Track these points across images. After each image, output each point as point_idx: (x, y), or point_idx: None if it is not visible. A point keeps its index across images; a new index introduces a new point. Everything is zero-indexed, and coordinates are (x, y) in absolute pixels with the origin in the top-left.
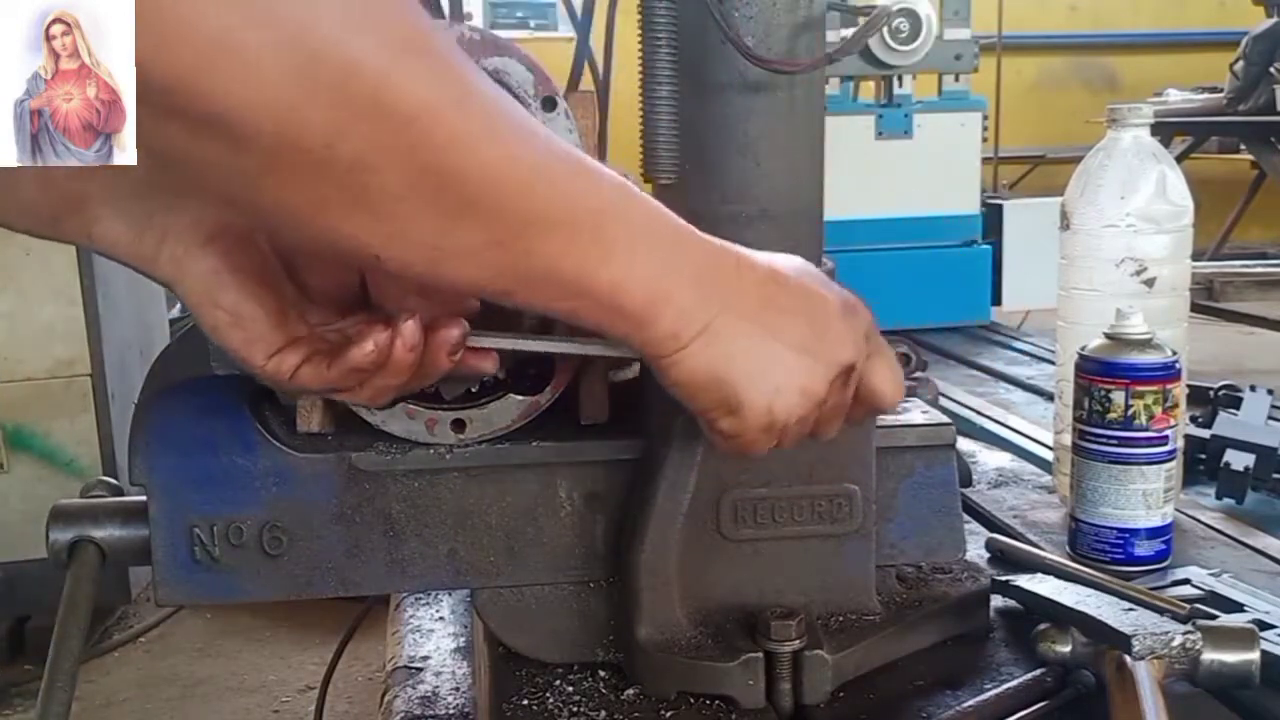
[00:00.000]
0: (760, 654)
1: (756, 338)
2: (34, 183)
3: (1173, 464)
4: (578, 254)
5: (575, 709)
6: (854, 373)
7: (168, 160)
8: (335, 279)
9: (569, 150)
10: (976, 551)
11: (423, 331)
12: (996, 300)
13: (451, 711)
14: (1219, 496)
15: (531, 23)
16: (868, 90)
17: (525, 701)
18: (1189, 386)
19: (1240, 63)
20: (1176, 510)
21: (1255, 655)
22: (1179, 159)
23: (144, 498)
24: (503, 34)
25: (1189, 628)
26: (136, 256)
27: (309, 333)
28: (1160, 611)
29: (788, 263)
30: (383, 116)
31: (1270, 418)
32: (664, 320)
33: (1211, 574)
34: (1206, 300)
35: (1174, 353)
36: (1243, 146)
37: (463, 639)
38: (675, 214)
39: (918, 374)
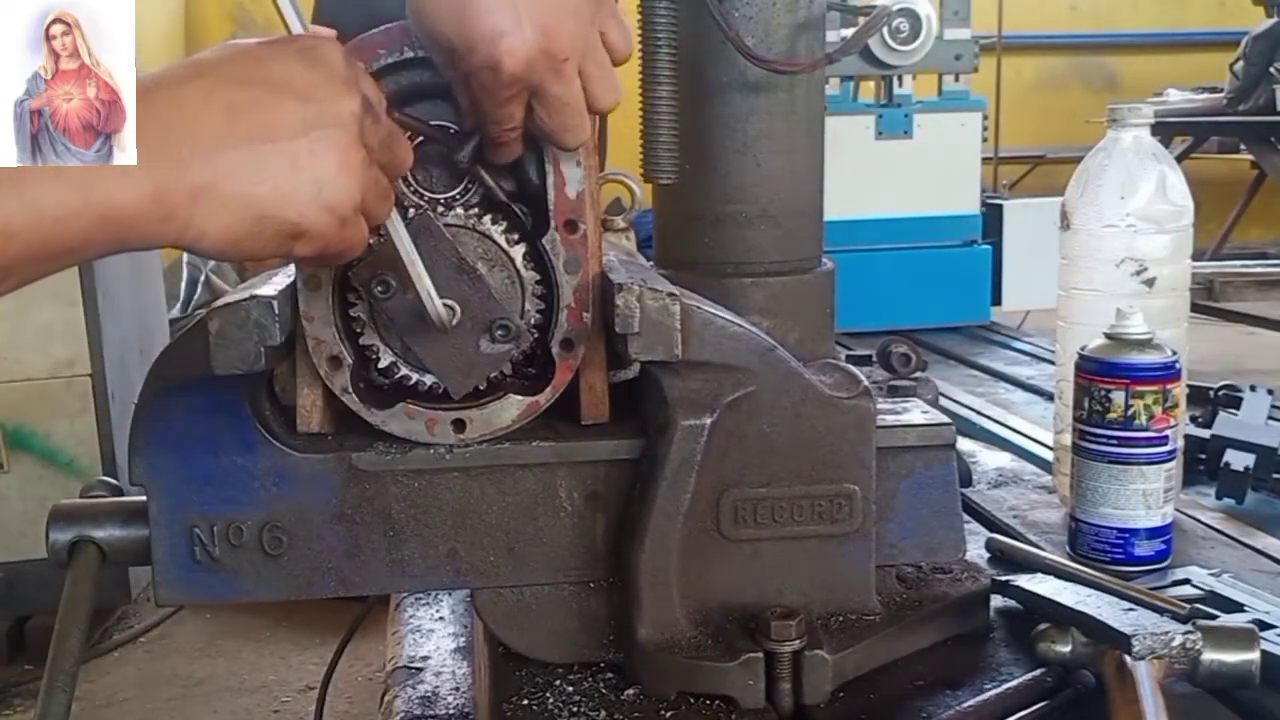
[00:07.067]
0: (760, 654)
1: (253, 158)
2: None
3: (1173, 464)
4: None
5: (575, 709)
6: (369, 109)
7: None
8: None
9: None
10: (976, 551)
11: None
12: (996, 300)
13: (451, 711)
14: (1219, 496)
15: None
16: (868, 90)
17: (525, 701)
18: (1189, 386)
19: (1240, 63)
20: (1176, 510)
21: (1255, 655)
22: (1179, 159)
23: (144, 498)
24: None
25: (1189, 628)
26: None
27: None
28: (1160, 611)
29: (212, 55)
30: None
31: (1270, 418)
32: (140, 215)
33: (1211, 574)
34: (1206, 300)
35: (1174, 353)
36: (1243, 146)
37: (463, 639)
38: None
39: (918, 374)
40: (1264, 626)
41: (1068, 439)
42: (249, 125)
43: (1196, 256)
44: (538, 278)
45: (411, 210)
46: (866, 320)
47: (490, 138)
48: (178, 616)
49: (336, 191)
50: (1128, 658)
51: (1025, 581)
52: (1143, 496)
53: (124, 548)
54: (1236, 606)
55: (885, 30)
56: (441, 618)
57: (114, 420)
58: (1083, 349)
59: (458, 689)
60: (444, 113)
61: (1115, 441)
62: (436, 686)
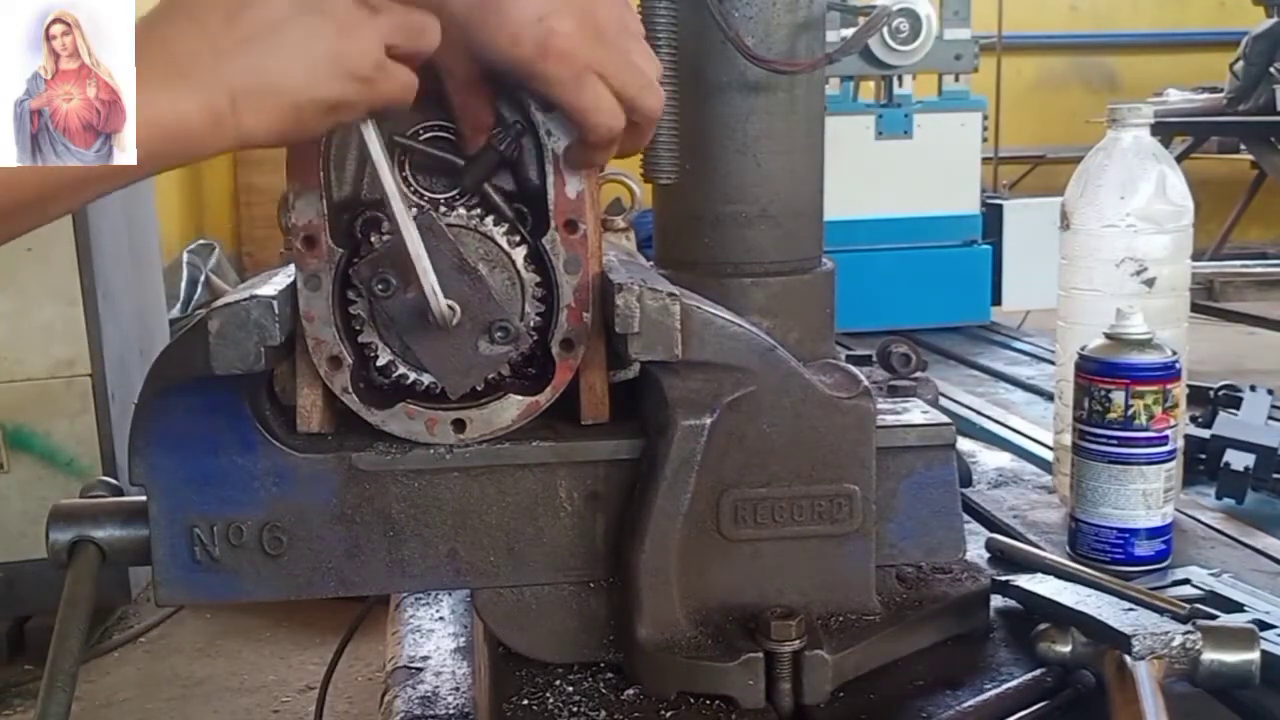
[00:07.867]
0: (760, 654)
1: (264, 53)
2: None
3: (1173, 464)
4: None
5: (575, 709)
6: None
7: None
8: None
9: None
10: (976, 551)
11: None
12: (996, 300)
13: (451, 711)
14: (1219, 496)
15: None
16: (868, 90)
17: (525, 701)
18: (1189, 386)
19: (1240, 63)
20: (1176, 510)
21: (1255, 655)
22: (1179, 159)
23: (144, 498)
24: None
25: (1189, 628)
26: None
27: None
28: (1160, 611)
29: None
30: None
31: (1270, 418)
32: (198, 125)
33: (1211, 574)
34: (1206, 300)
35: (1174, 353)
36: (1243, 146)
37: (463, 639)
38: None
39: (918, 374)
40: (1264, 626)
41: (1068, 439)
42: (246, 26)
43: (1196, 256)
44: (538, 279)
45: (413, 210)
46: (866, 320)
47: (589, 141)
48: (178, 616)
49: (350, 57)
50: (1128, 658)
51: (1025, 581)
52: (1143, 496)
53: (124, 548)
54: (1236, 606)
55: (885, 30)
56: (441, 618)
57: (114, 420)
58: (1083, 349)
59: (458, 689)
60: (444, 114)
61: (1115, 441)
62: (436, 686)
